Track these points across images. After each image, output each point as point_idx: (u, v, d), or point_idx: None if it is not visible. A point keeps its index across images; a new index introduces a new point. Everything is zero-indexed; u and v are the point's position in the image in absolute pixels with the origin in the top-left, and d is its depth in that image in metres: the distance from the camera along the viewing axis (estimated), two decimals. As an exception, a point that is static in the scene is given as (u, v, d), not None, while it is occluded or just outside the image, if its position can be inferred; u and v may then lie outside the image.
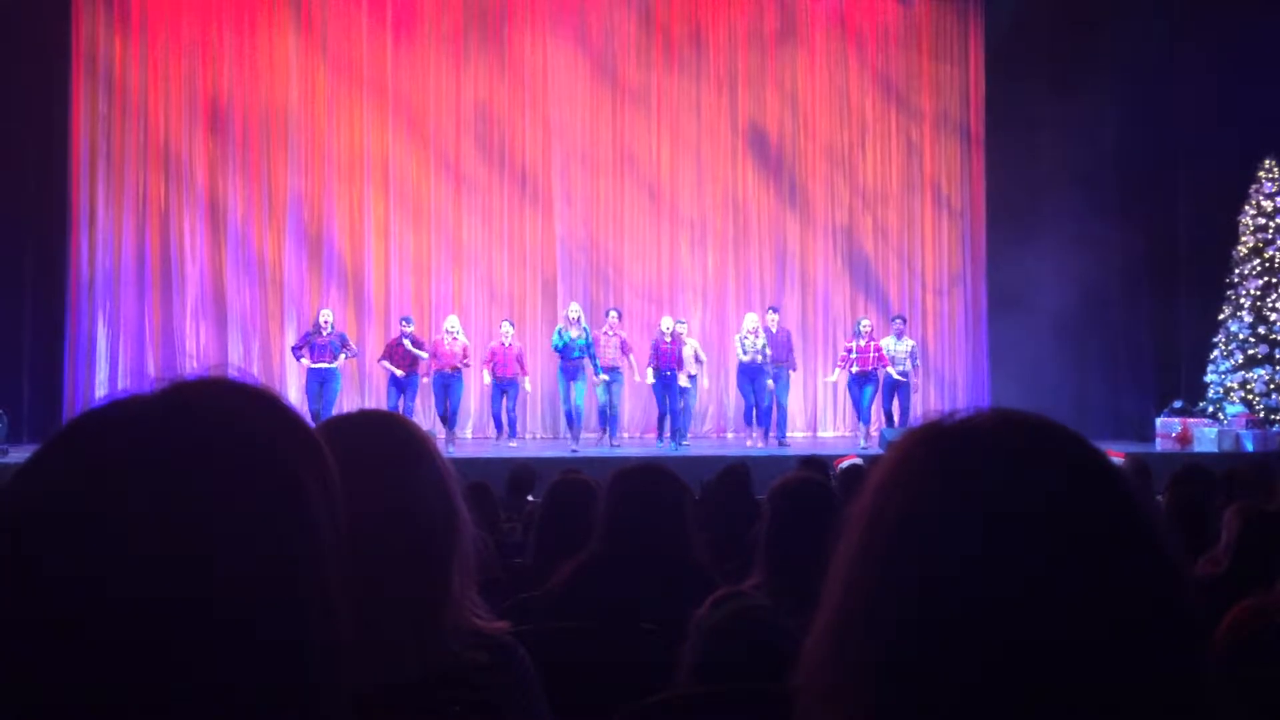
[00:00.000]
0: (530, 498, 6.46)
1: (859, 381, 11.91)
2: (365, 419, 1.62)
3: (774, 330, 11.80)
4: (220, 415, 0.71)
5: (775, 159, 14.07)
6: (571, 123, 13.63)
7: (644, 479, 3.03)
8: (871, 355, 11.81)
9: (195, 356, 12.66)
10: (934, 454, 0.79)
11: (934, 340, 14.37)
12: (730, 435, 13.32)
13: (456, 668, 1.50)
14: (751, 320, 11.74)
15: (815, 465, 5.89)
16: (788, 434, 12.27)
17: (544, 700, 1.62)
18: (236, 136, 12.88)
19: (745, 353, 11.48)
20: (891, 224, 14.32)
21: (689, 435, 11.84)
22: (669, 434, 11.48)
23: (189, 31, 12.75)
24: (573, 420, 11.36)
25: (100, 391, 12.35)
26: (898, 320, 12.32)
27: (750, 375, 11.53)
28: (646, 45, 13.86)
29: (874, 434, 12.01)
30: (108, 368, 12.48)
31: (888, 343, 11.94)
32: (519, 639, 1.64)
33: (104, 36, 12.56)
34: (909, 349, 11.97)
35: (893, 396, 11.93)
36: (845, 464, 8.66)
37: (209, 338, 12.71)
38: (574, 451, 10.70)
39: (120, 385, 12.52)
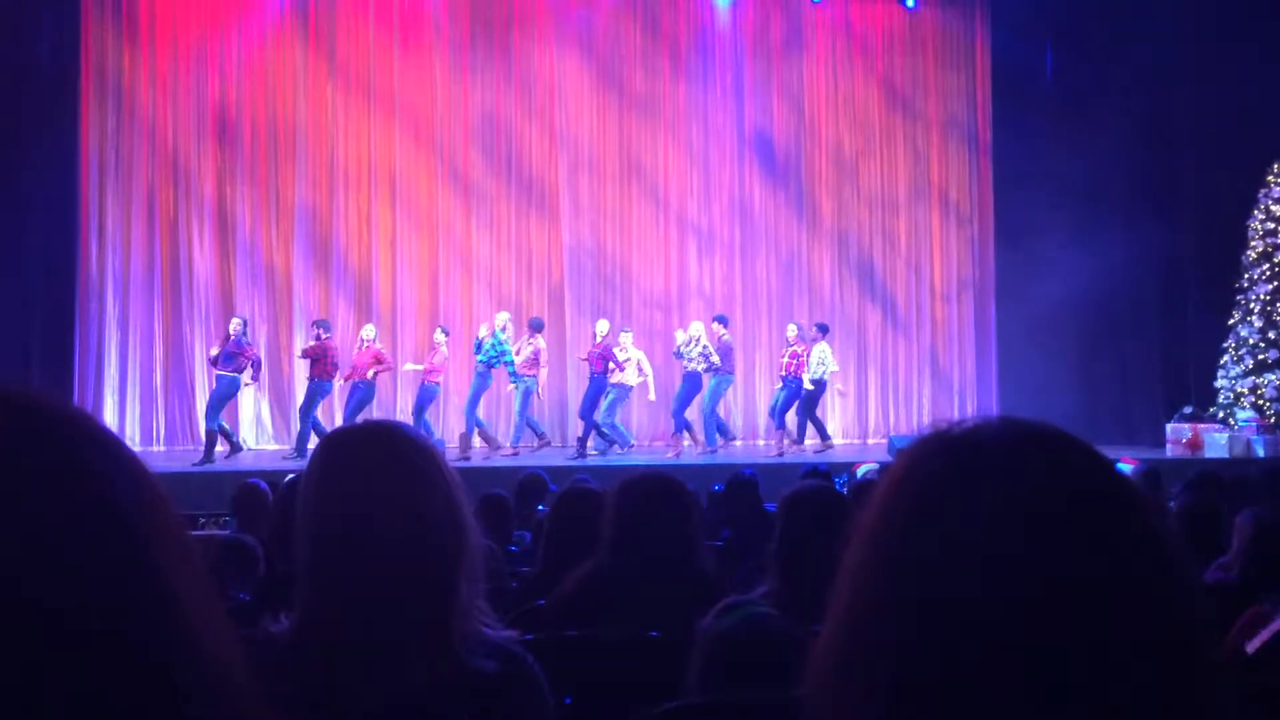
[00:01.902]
0: (541, 507, 6.47)
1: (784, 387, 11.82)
2: (371, 430, 1.62)
3: (722, 339, 11.76)
4: None
5: (782, 166, 14.07)
6: (578, 131, 13.66)
7: (651, 488, 3.03)
8: (785, 361, 11.70)
9: (204, 365, 12.69)
10: (941, 463, 0.79)
11: (942, 347, 14.34)
12: (739, 443, 13.25)
13: (465, 677, 1.50)
14: (696, 328, 11.66)
15: (820, 476, 5.89)
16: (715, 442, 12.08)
17: (553, 709, 1.62)
18: (245, 146, 12.93)
19: (689, 360, 11.41)
20: (899, 231, 14.30)
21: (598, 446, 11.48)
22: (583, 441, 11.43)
23: (197, 42, 12.81)
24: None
25: (110, 399, 12.39)
26: (813, 328, 12.15)
27: (692, 383, 11.47)
28: (653, 53, 13.88)
29: (787, 444, 11.85)
30: (117, 377, 12.52)
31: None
32: (528, 648, 1.64)
33: (113, 48, 12.61)
34: (819, 355, 11.76)
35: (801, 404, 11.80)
36: (862, 470, 8.68)
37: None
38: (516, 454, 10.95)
39: (129, 394, 12.56)
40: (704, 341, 11.45)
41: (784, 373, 11.73)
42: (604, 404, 11.38)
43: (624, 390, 11.42)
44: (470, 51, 13.42)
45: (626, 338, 11.60)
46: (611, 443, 11.43)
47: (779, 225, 14.05)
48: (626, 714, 2.11)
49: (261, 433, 12.77)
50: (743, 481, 5.93)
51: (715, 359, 11.37)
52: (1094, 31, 13.37)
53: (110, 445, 0.72)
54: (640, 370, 11.48)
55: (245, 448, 12.37)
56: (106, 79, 12.60)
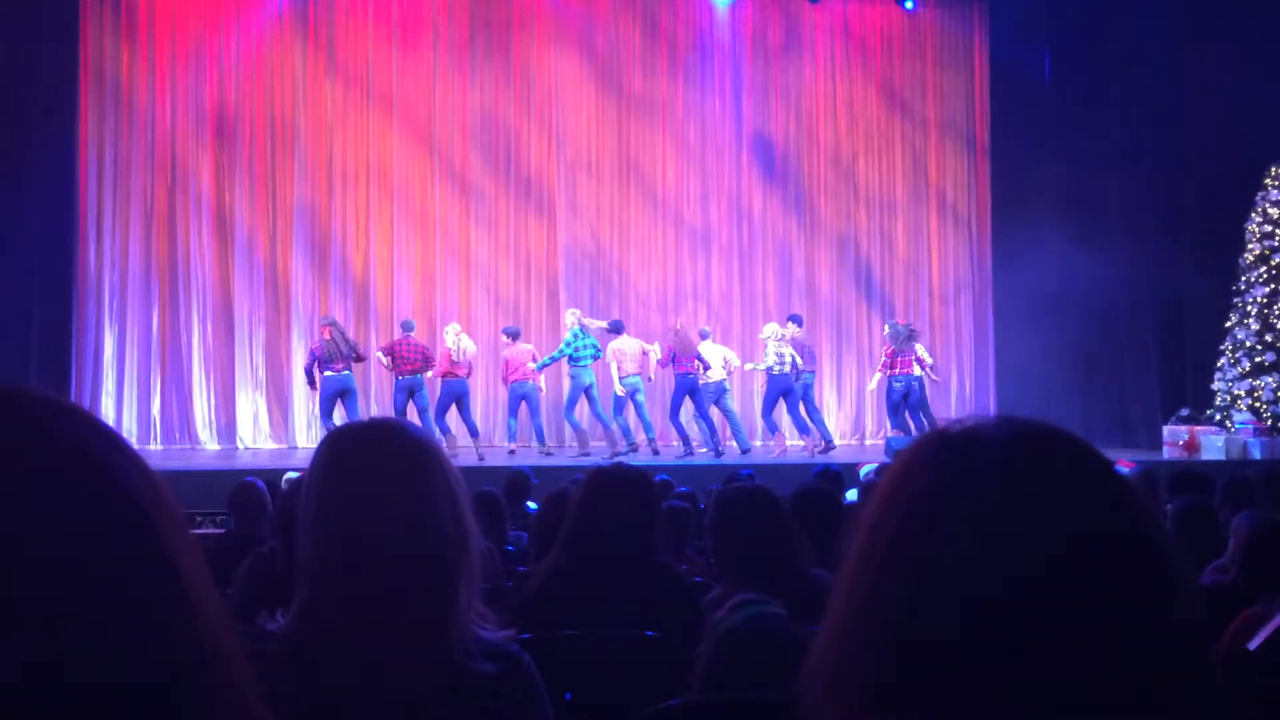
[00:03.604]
0: (531, 505, 6.48)
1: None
2: (374, 428, 1.62)
3: (796, 338, 11.78)
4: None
5: (780, 168, 14.08)
6: (577, 131, 13.66)
7: (610, 483, 3.04)
8: (905, 359, 11.67)
9: (202, 366, 12.69)
10: (939, 461, 0.79)
11: (940, 348, 14.34)
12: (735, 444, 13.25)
13: (464, 678, 1.50)
14: (771, 329, 11.64)
15: (830, 477, 5.90)
16: (788, 441, 12.16)
17: (550, 708, 1.62)
18: (243, 146, 12.92)
19: (781, 363, 11.41)
20: (897, 232, 14.32)
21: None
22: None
23: (196, 42, 12.80)
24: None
25: (107, 401, 12.38)
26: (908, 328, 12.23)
27: (784, 386, 11.44)
28: (651, 54, 13.89)
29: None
30: (115, 378, 12.50)
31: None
32: (524, 647, 1.64)
33: (111, 47, 12.60)
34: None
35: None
36: (864, 470, 8.71)
37: (216, 348, 12.73)
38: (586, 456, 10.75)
39: (127, 392, 12.55)
40: (780, 345, 11.41)
41: (901, 371, 11.48)
42: (727, 400, 11.33)
43: (721, 385, 11.31)
44: (469, 51, 13.42)
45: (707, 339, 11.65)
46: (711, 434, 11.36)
47: (777, 226, 14.06)
48: (621, 711, 2.11)
49: (259, 431, 12.77)
50: (738, 483, 5.93)
51: (798, 359, 11.37)
52: (1092, 34, 13.39)
53: (115, 438, 0.72)
54: (726, 363, 11.43)
55: (242, 445, 12.43)
56: (105, 78, 12.59)
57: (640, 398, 11.15)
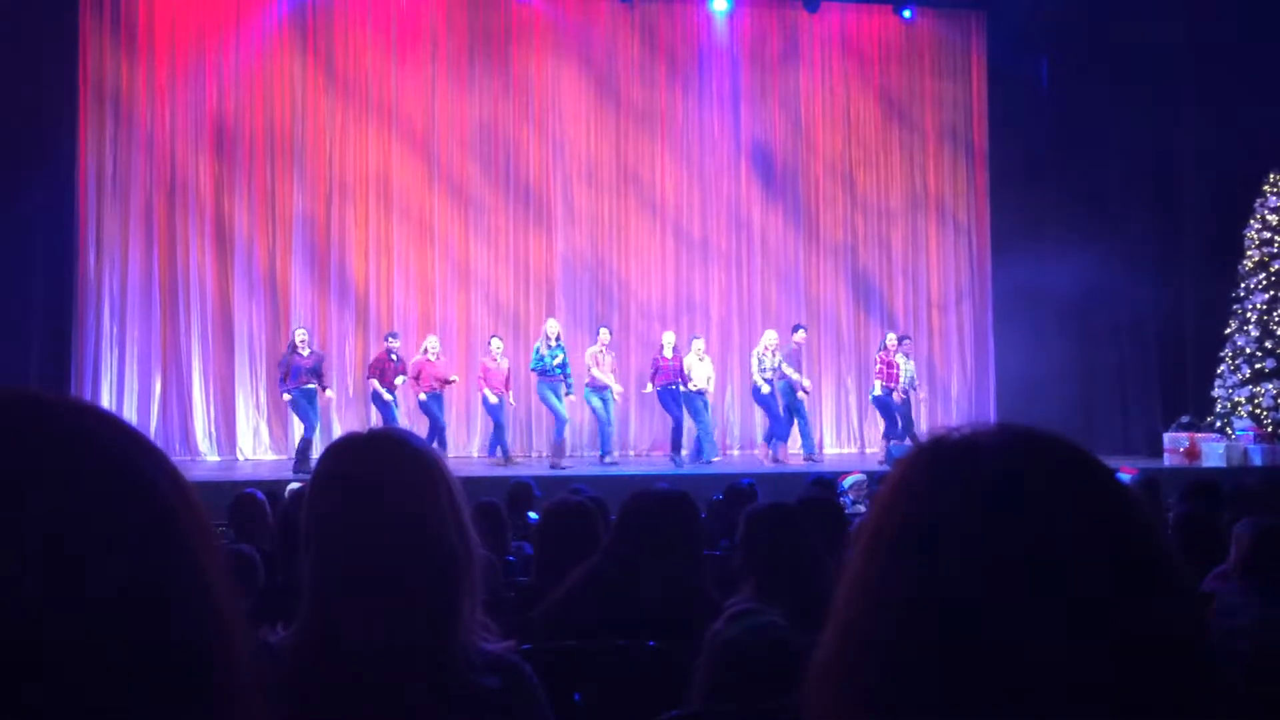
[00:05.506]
0: (532, 515, 6.48)
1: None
2: (377, 439, 1.62)
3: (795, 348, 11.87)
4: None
5: (779, 177, 14.09)
6: (576, 141, 13.68)
7: (659, 504, 3.07)
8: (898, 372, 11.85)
9: (202, 377, 12.69)
10: (936, 469, 0.80)
11: (939, 355, 14.36)
12: (736, 453, 13.30)
13: (467, 690, 1.50)
14: (770, 337, 11.75)
15: (825, 485, 5.93)
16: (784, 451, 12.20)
17: (553, 719, 1.62)
18: (243, 158, 12.93)
19: (768, 370, 11.53)
20: (896, 240, 14.33)
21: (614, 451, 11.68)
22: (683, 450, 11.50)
23: (195, 53, 12.82)
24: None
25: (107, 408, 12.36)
26: (905, 340, 12.32)
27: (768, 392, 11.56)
28: (650, 64, 13.91)
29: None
30: (115, 388, 12.50)
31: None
32: (525, 658, 1.64)
33: (110, 60, 12.62)
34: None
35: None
36: (849, 480, 8.74)
37: (216, 358, 12.73)
38: (563, 469, 10.78)
39: (127, 404, 12.54)
40: (776, 353, 11.57)
41: (893, 384, 11.72)
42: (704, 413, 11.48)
43: (703, 395, 11.52)
44: (468, 63, 13.44)
45: (699, 344, 11.77)
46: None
47: (776, 235, 14.07)
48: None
49: (259, 443, 12.77)
50: (741, 491, 5.95)
51: (785, 367, 11.49)
52: (1090, 41, 13.42)
53: (143, 441, 0.73)
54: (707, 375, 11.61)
55: (243, 458, 12.43)
56: (104, 90, 12.61)
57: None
